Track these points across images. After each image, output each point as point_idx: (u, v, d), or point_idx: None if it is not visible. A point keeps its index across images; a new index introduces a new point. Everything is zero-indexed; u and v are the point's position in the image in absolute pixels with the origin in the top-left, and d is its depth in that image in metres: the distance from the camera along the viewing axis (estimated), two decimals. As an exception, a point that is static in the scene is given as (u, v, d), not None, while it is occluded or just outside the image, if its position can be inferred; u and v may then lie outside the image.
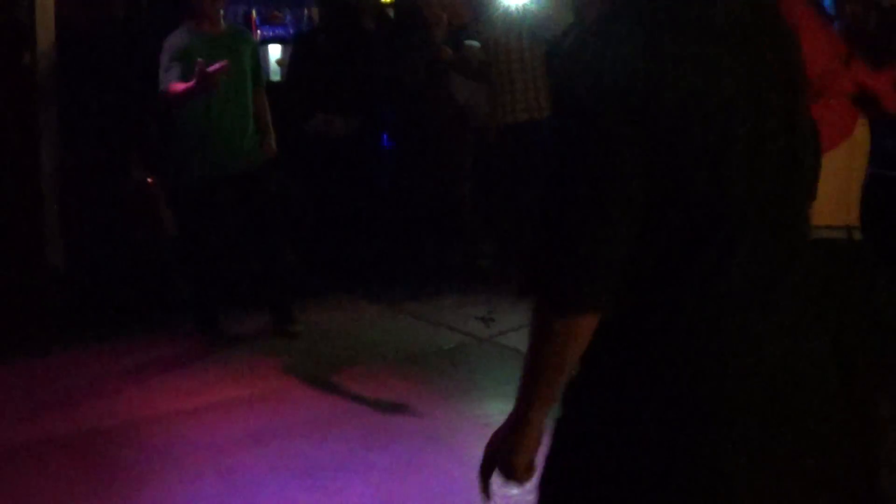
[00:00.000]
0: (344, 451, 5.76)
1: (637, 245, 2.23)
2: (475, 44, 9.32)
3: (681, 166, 2.20)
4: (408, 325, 8.01)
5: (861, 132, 3.55)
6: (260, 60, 8.12)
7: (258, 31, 13.59)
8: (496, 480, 2.44)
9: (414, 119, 9.17)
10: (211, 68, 6.68)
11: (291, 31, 11.42)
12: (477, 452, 2.46)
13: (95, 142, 8.66)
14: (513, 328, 7.69)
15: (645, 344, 2.30)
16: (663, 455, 2.26)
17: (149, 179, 8.52)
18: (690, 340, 2.26)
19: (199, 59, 6.76)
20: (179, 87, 7.05)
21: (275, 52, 11.27)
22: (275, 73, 10.80)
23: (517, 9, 8.98)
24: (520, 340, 7.41)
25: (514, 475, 2.42)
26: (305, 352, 7.45)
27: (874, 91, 3.43)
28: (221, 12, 7.57)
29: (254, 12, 14.07)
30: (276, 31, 12.12)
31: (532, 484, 2.47)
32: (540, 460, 2.42)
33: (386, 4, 11.30)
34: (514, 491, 2.76)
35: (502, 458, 2.41)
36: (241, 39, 7.68)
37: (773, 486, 2.32)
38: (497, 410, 6.21)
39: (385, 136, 9.73)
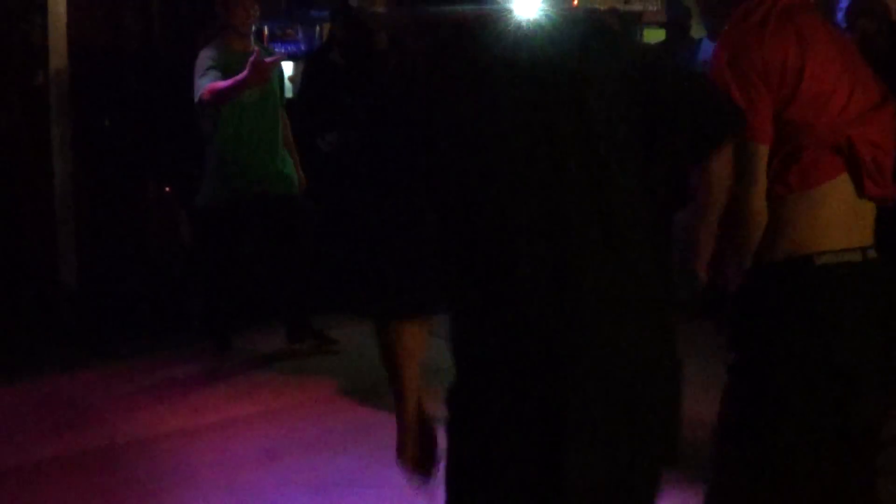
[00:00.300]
0: (358, 468, 5.75)
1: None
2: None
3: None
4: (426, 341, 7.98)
5: None
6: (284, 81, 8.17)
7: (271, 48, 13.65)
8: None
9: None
10: (267, 60, 6.83)
11: (303, 47, 11.42)
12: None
13: (109, 160, 8.70)
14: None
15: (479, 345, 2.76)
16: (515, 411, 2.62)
17: (166, 189, 8.58)
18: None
19: (256, 48, 6.93)
20: (222, 83, 7.05)
21: (287, 69, 11.31)
22: (287, 91, 10.83)
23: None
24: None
25: (409, 468, 2.89)
26: (321, 368, 7.45)
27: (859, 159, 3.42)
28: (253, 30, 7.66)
29: (265, 29, 14.12)
30: (288, 48, 12.14)
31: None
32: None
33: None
34: (421, 483, 2.95)
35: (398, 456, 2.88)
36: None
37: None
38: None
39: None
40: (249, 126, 7.38)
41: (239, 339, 7.87)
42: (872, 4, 8.46)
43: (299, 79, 10.06)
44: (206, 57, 7.31)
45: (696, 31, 10.69)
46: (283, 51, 12.77)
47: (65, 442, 6.22)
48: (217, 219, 7.61)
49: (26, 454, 6.04)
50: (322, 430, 6.34)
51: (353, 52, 8.90)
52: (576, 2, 13.54)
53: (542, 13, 2.68)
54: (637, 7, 13.18)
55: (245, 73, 6.81)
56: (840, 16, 9.08)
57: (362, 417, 6.50)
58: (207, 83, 7.08)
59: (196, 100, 7.17)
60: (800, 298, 3.36)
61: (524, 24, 2.64)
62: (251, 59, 6.73)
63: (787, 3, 3.41)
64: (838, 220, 3.34)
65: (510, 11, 2.64)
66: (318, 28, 11.37)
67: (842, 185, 3.41)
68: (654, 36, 11.94)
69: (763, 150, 3.33)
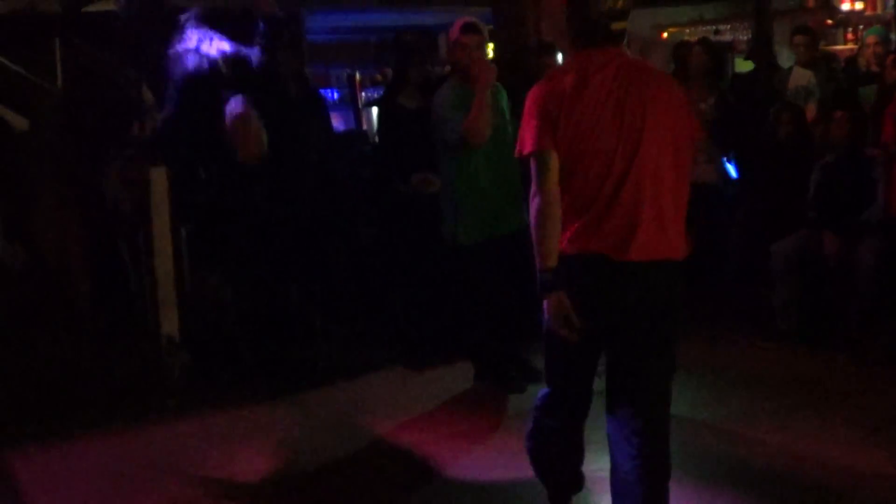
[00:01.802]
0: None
1: None
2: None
3: None
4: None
5: None
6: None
7: (362, 94, 13.78)
8: None
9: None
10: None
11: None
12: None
13: (206, 211, 8.79)
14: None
15: None
16: None
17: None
18: None
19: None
20: (471, 116, 7.27)
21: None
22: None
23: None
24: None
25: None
26: (431, 411, 7.47)
27: None
28: None
29: (357, 74, 14.28)
30: (379, 93, 12.24)
31: None
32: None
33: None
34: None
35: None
36: (500, 95, 7.71)
37: None
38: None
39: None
40: (484, 166, 7.47)
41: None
42: None
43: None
44: (443, 100, 7.58)
45: (788, 59, 10.64)
46: (373, 96, 12.90)
47: (167, 489, 6.26)
48: (474, 257, 7.68)
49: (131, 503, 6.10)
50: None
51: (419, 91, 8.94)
52: (665, 34, 13.55)
53: None
54: (727, 37, 13.15)
55: (479, 80, 7.19)
56: None
57: (467, 458, 6.51)
58: (458, 122, 7.31)
59: (456, 139, 7.37)
60: None
61: None
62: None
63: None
64: None
65: None
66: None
67: None
68: (745, 66, 11.87)
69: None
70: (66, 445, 6.98)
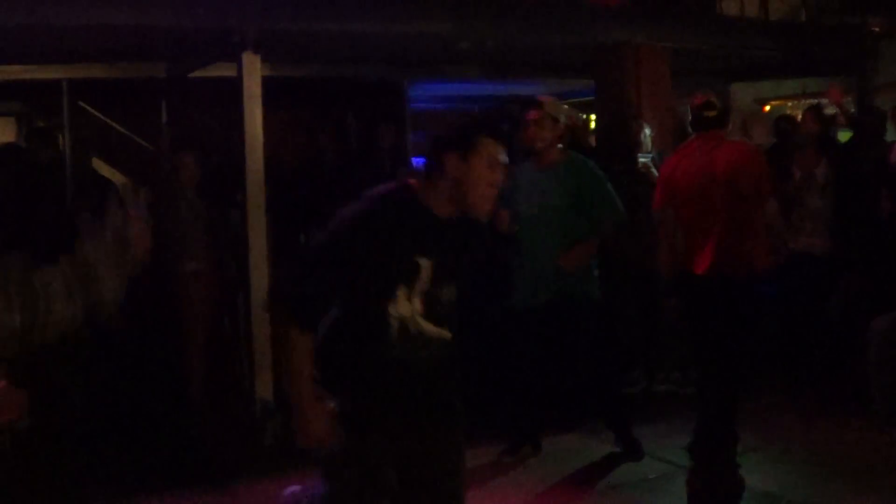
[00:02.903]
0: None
1: None
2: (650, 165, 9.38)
3: None
4: (610, 454, 7.91)
5: None
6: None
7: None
8: None
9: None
10: None
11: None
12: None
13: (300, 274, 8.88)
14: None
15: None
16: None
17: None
18: None
19: None
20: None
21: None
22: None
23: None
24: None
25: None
26: (505, 484, 7.41)
27: None
28: None
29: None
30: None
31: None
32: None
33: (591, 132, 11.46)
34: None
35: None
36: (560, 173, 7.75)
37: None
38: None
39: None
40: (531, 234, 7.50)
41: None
42: None
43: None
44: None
45: (893, 133, 10.55)
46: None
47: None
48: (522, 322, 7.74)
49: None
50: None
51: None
52: (767, 108, 13.52)
53: None
54: (831, 111, 13.07)
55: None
56: None
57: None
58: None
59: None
60: None
61: None
62: None
63: None
64: None
65: None
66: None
67: None
68: (845, 137, 11.80)
69: None
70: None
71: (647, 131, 9.40)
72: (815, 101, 13.15)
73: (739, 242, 7.08)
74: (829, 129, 10.34)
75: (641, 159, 9.27)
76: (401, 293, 4.13)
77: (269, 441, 8.16)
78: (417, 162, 11.54)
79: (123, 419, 7.92)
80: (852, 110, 12.35)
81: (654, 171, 9.25)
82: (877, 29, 12.74)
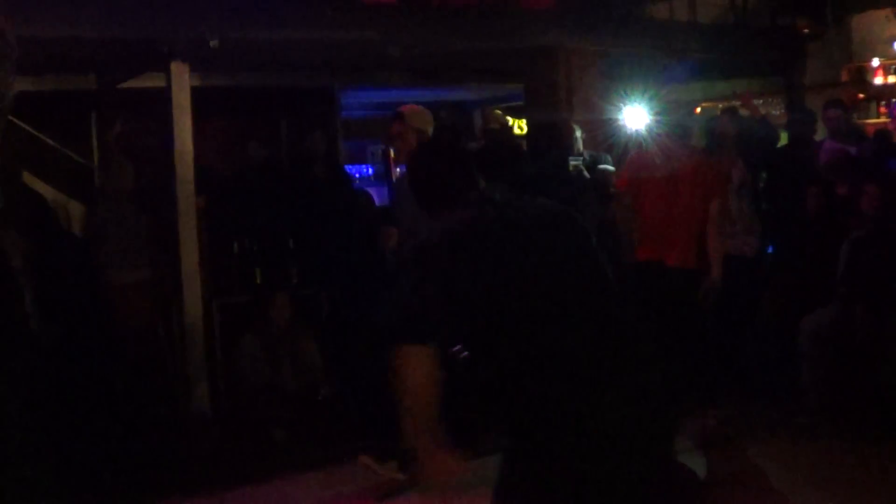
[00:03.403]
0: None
1: None
2: (610, 168, 9.40)
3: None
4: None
5: None
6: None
7: (397, 170, 13.85)
8: None
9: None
10: None
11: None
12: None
13: (238, 285, 8.86)
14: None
15: None
16: None
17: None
18: None
19: None
20: None
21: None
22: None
23: (650, 140, 9.06)
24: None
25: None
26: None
27: None
28: None
29: (392, 150, 14.34)
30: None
31: None
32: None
33: (519, 136, 11.48)
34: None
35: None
36: None
37: None
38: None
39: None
40: None
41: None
42: None
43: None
44: None
45: (821, 133, 10.65)
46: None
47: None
48: None
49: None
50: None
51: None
52: (698, 109, 13.60)
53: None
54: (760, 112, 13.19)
55: None
56: None
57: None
58: None
59: None
60: None
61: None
62: None
63: None
64: None
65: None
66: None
67: None
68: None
69: None
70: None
71: (578, 134, 9.43)
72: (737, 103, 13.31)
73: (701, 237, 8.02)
74: (758, 129, 10.39)
75: (572, 162, 9.29)
76: None
77: (205, 451, 8.13)
78: (350, 169, 11.56)
79: (52, 430, 7.85)
80: (767, 112, 12.51)
81: (585, 173, 9.28)
82: (805, 30, 12.87)
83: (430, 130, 7.55)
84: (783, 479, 7.11)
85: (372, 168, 14.69)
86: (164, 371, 8.90)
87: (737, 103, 11.85)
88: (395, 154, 7.55)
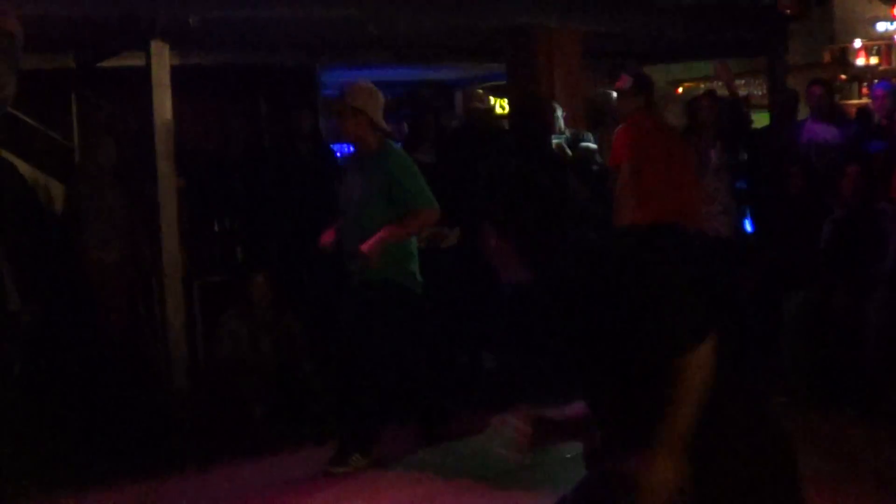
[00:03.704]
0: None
1: None
2: (593, 146, 9.40)
3: None
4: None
5: None
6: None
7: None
8: None
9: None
10: None
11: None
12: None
13: (219, 262, 8.85)
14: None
15: None
16: None
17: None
18: None
19: None
20: None
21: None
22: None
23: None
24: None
25: None
26: (427, 464, 7.41)
27: None
28: None
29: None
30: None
31: None
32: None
33: (500, 116, 11.48)
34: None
35: None
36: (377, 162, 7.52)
37: None
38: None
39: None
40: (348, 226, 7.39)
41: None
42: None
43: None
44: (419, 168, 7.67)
45: (804, 112, 10.65)
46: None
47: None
48: None
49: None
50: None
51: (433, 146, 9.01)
52: (680, 89, 13.61)
53: None
54: (742, 92, 13.19)
55: None
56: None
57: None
58: None
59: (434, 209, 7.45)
60: None
61: None
62: None
63: None
64: None
65: None
66: (405, 125, 11.35)
67: None
68: (760, 119, 11.90)
69: None
70: (71, 499, 6.97)
71: (560, 113, 9.41)
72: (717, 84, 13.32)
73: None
74: (736, 110, 10.37)
75: (555, 140, 9.29)
76: None
77: (184, 429, 8.12)
78: (334, 148, 11.52)
79: (36, 408, 7.84)
80: (749, 92, 12.53)
81: (567, 151, 9.28)
82: (788, 11, 12.86)
83: (379, 115, 7.32)
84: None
85: (352, 147, 14.65)
86: (144, 349, 8.88)
87: (717, 84, 11.86)
88: (341, 132, 7.40)
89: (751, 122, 10.40)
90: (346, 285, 7.38)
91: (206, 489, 7.13)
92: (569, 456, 7.05)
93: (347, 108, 7.25)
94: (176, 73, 8.56)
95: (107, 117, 9.89)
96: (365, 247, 7.00)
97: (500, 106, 11.99)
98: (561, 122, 9.46)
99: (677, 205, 8.56)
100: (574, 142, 9.47)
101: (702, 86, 13.97)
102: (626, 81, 8.78)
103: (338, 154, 11.05)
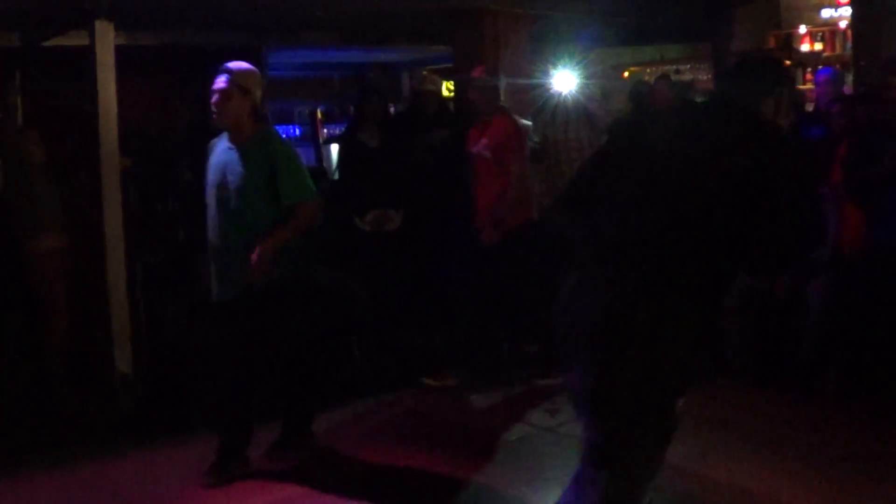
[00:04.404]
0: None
1: None
2: (527, 123, 9.44)
3: None
4: (473, 416, 7.97)
5: None
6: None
7: (323, 131, 13.81)
8: None
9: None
10: None
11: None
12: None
13: (162, 249, 8.80)
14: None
15: None
16: None
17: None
18: None
19: None
20: None
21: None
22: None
23: (571, 100, 9.11)
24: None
25: None
26: (364, 445, 7.42)
27: None
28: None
29: (318, 111, 14.31)
30: (342, 129, 12.25)
31: None
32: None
33: (446, 98, 11.47)
34: None
35: None
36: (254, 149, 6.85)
37: None
38: (560, 500, 6.18)
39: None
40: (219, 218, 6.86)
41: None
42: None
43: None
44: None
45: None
46: (337, 132, 12.94)
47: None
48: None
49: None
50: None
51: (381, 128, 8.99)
52: (625, 73, 13.63)
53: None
54: (688, 77, 13.26)
55: None
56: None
57: (412, 493, 6.56)
58: None
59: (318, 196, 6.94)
60: None
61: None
62: None
63: None
64: None
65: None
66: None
67: None
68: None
69: None
70: (10, 483, 6.92)
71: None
72: (674, 67, 13.36)
73: None
74: (685, 95, 10.45)
75: None
76: None
77: (129, 415, 8.09)
78: (279, 130, 11.48)
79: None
80: (695, 77, 12.60)
81: None
82: (734, -5, 12.94)
83: (258, 94, 6.80)
84: (698, 433, 7.22)
85: (299, 128, 14.64)
86: (87, 333, 8.82)
87: (670, 68, 11.92)
88: (215, 112, 6.72)
89: None
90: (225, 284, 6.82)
91: (150, 471, 7.12)
92: (513, 439, 7.16)
93: (235, 87, 6.65)
94: (121, 53, 8.50)
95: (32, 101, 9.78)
96: (256, 257, 6.49)
97: (447, 88, 11.98)
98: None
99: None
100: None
101: (647, 70, 14.01)
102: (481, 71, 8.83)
103: (283, 136, 11.01)
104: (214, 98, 6.67)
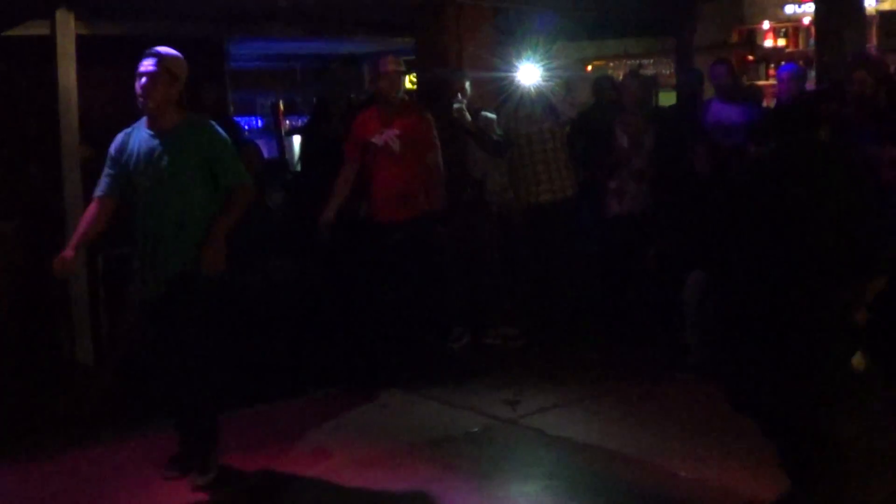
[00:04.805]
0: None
1: None
2: (492, 115, 9.45)
3: None
4: (434, 410, 7.96)
5: None
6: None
7: (285, 122, 13.78)
8: None
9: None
10: None
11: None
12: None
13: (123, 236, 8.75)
14: (538, 409, 7.67)
15: None
16: None
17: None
18: None
19: None
20: None
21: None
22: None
23: (535, 93, 9.14)
24: (544, 422, 7.38)
25: None
26: (330, 440, 7.41)
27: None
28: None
29: (280, 103, 14.26)
30: (304, 120, 12.24)
31: None
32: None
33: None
34: None
35: None
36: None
37: None
38: (520, 492, 6.19)
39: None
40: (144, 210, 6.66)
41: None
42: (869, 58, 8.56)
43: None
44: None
45: (709, 92, 10.73)
46: (299, 123, 12.91)
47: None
48: None
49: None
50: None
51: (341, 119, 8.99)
52: (589, 67, 13.67)
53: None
54: (650, 71, 13.30)
55: None
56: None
57: (374, 487, 6.53)
58: None
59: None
60: None
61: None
62: None
63: None
64: None
65: None
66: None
67: None
68: (667, 99, 11.99)
69: None
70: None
71: (467, 84, 9.52)
72: (637, 61, 13.41)
73: None
74: (651, 91, 10.47)
75: (455, 105, 9.32)
76: None
77: (90, 407, 8.05)
78: (239, 121, 11.45)
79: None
80: (658, 72, 12.65)
81: (467, 115, 9.32)
82: (698, -9, 12.97)
83: (183, 82, 6.55)
84: (658, 425, 7.24)
85: (261, 120, 14.61)
86: (48, 322, 8.77)
87: (634, 63, 11.95)
88: (141, 95, 6.42)
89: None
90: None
91: (111, 464, 7.09)
92: (475, 430, 7.18)
93: (164, 71, 6.41)
94: (82, 42, 8.46)
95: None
96: (208, 250, 6.35)
97: (410, 80, 11.96)
98: (467, 91, 9.54)
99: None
100: (475, 110, 9.54)
101: (611, 64, 14.06)
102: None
103: (245, 127, 11.01)
104: (142, 81, 6.42)
